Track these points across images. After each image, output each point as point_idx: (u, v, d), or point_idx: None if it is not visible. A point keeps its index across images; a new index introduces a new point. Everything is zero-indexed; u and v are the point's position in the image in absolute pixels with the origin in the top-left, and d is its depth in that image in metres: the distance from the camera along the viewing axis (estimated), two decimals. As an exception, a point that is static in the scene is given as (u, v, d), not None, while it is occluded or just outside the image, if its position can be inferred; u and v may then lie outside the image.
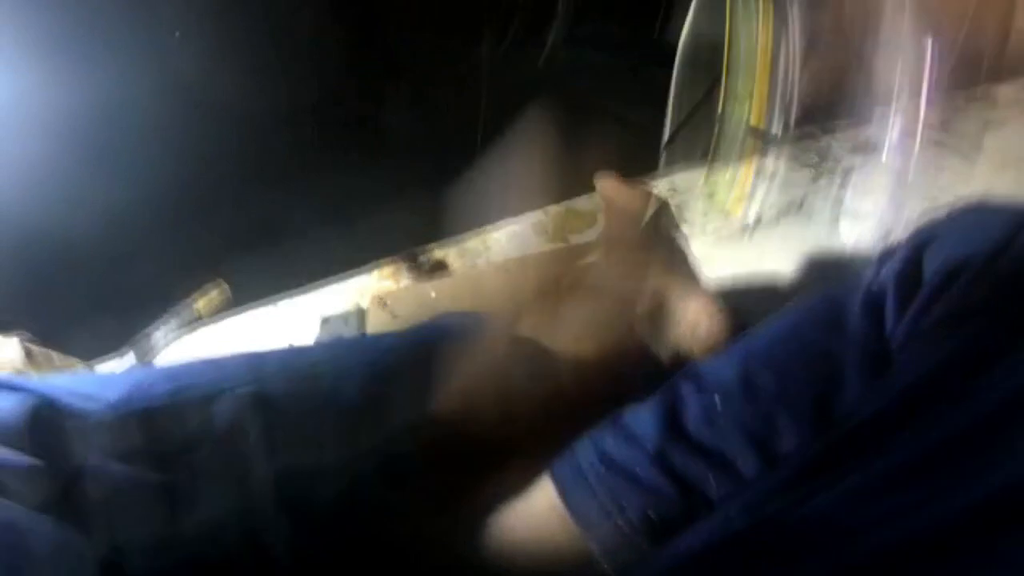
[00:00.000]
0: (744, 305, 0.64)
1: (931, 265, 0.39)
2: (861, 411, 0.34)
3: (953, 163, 0.93)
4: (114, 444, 0.43)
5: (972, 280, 0.36)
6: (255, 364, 0.50)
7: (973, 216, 0.41)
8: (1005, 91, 0.99)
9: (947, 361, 0.34)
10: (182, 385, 0.47)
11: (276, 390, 0.48)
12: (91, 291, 0.92)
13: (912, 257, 0.41)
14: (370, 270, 0.91)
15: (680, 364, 0.51)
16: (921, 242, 0.41)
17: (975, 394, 0.32)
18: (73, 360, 0.82)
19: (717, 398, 0.41)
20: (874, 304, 0.40)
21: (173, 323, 0.89)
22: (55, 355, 0.81)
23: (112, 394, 0.44)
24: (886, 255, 0.43)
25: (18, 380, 0.46)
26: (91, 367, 0.85)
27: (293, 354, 0.55)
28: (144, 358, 0.86)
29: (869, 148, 0.95)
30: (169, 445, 0.45)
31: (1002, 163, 0.91)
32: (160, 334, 0.88)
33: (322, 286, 0.92)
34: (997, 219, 0.39)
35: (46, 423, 0.41)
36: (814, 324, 0.42)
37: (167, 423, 0.45)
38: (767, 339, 0.43)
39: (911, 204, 0.88)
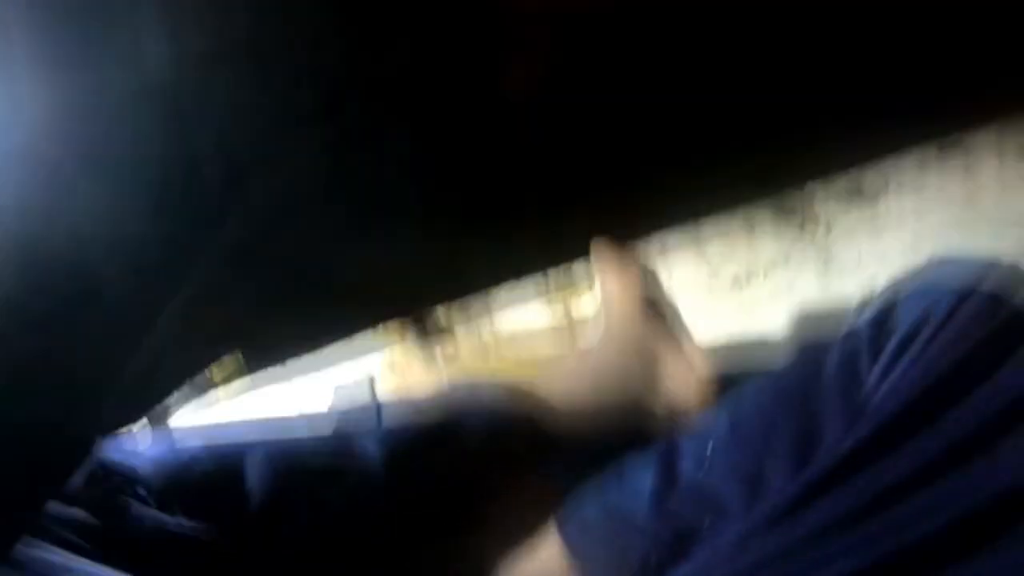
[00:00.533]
0: (736, 360, 0.68)
1: (901, 316, 0.44)
2: (838, 449, 0.38)
3: (934, 209, 0.98)
4: (159, 495, 0.48)
5: (937, 328, 0.41)
6: (283, 424, 0.55)
7: (939, 270, 0.46)
8: (977, 139, 1.04)
9: (915, 401, 0.38)
10: (217, 443, 0.52)
11: (302, 447, 0.53)
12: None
13: (884, 308, 0.45)
14: (376, 335, 0.95)
15: (674, 418, 0.55)
16: (892, 295, 0.46)
17: (941, 429, 0.36)
18: None
19: (709, 446, 0.45)
20: (850, 353, 0.44)
21: (187, 392, 0.92)
22: None
23: (152, 451, 0.49)
24: (862, 307, 0.47)
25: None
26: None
27: (317, 418, 0.60)
28: (158, 424, 0.89)
29: (854, 198, 1.00)
30: (208, 498, 0.49)
31: (981, 209, 0.96)
32: (174, 403, 0.91)
33: (332, 352, 0.96)
34: (960, 272, 0.44)
35: (96, 476, 0.45)
36: (795, 374, 0.46)
37: (206, 477, 0.50)
38: (754, 390, 0.48)
39: (895, 252, 0.93)
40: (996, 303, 0.40)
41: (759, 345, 0.84)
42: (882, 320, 0.44)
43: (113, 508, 0.45)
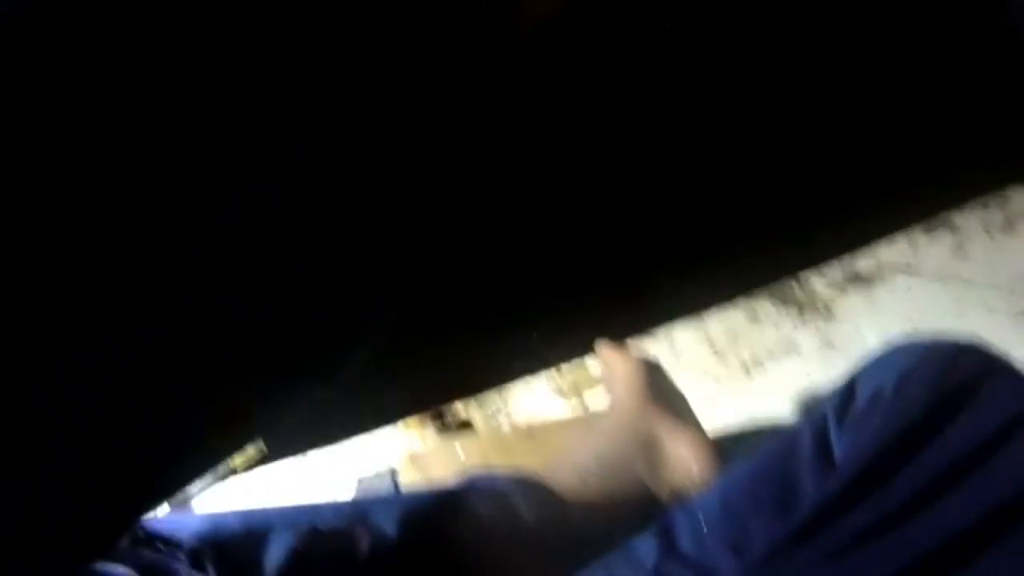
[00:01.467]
0: (747, 447, 0.73)
1: (860, 391, 0.50)
2: (812, 503, 0.44)
3: (928, 287, 1.04)
4: (195, 558, 0.54)
5: (888, 399, 0.47)
6: (311, 510, 0.61)
7: (895, 351, 0.52)
8: (964, 217, 1.11)
9: (874, 460, 0.44)
10: (252, 521, 0.57)
11: (323, 518, 0.58)
12: None
13: (847, 387, 0.52)
14: (396, 427, 1.01)
15: (675, 499, 0.61)
16: (855, 375, 0.52)
17: (901, 481, 0.42)
18: None
19: (702, 520, 0.50)
20: (819, 429, 0.51)
21: (208, 478, 0.97)
22: None
23: (192, 524, 0.55)
24: (829, 390, 0.54)
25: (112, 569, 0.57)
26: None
27: (343, 503, 0.66)
28: (178, 507, 0.94)
29: (849, 282, 1.06)
30: (238, 563, 0.55)
31: (968, 286, 1.01)
32: (195, 488, 0.96)
33: (350, 442, 1.02)
34: (911, 351, 0.50)
35: (140, 538, 0.52)
36: (776, 452, 0.52)
37: (237, 544, 0.56)
38: (742, 470, 0.54)
39: (895, 332, 0.98)
40: (942, 375, 0.47)
41: (767, 430, 0.89)
42: (845, 396, 0.51)
43: (155, 568, 0.50)
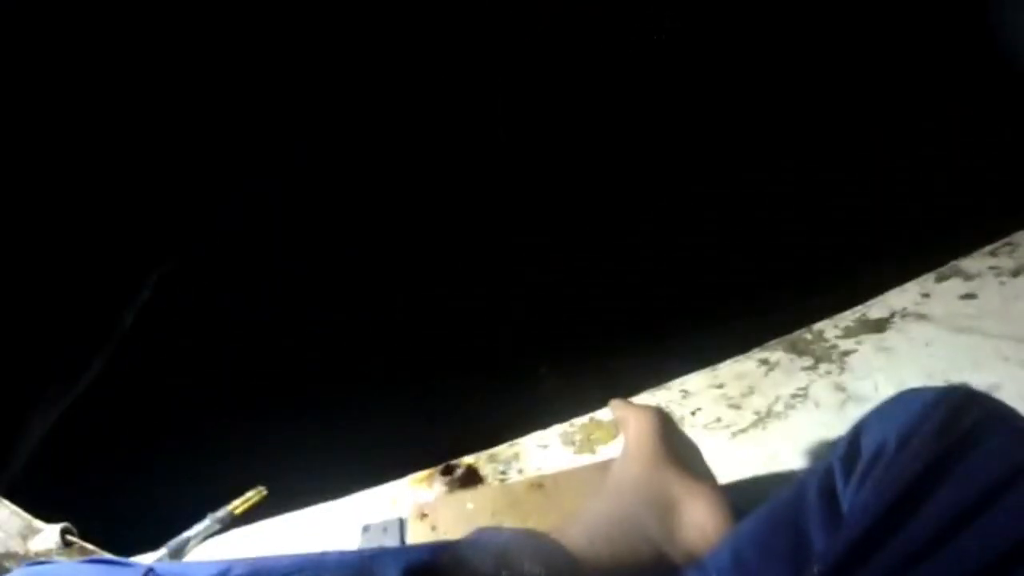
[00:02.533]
0: (760, 500, 0.74)
1: (865, 445, 0.52)
2: (822, 562, 0.45)
3: (941, 335, 1.05)
4: None
5: (892, 455, 0.48)
6: (316, 559, 0.62)
7: (896, 403, 0.54)
8: (974, 264, 1.13)
9: (879, 517, 0.45)
10: (258, 570, 0.59)
11: (328, 566, 0.59)
12: (132, 489, 1.04)
13: (852, 440, 0.53)
14: (406, 481, 1.02)
15: (689, 559, 0.62)
16: (859, 427, 0.54)
17: (904, 536, 0.44)
18: (106, 555, 0.92)
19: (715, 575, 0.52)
20: (826, 481, 0.52)
21: (208, 524, 0.99)
22: (90, 547, 0.92)
23: (200, 571, 0.57)
24: (837, 442, 0.55)
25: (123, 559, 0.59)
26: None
27: (347, 554, 0.67)
28: (177, 557, 0.95)
29: (862, 330, 1.08)
30: None
31: (980, 333, 1.02)
32: (195, 534, 0.98)
33: (358, 493, 1.03)
34: (913, 404, 0.52)
35: None
36: (785, 504, 0.54)
37: None
38: (752, 522, 0.55)
39: (907, 381, 0.99)
40: (944, 429, 0.48)
41: (781, 481, 0.89)
42: (851, 449, 0.52)
43: None
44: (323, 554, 0.61)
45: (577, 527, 0.64)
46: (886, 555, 0.43)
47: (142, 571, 0.55)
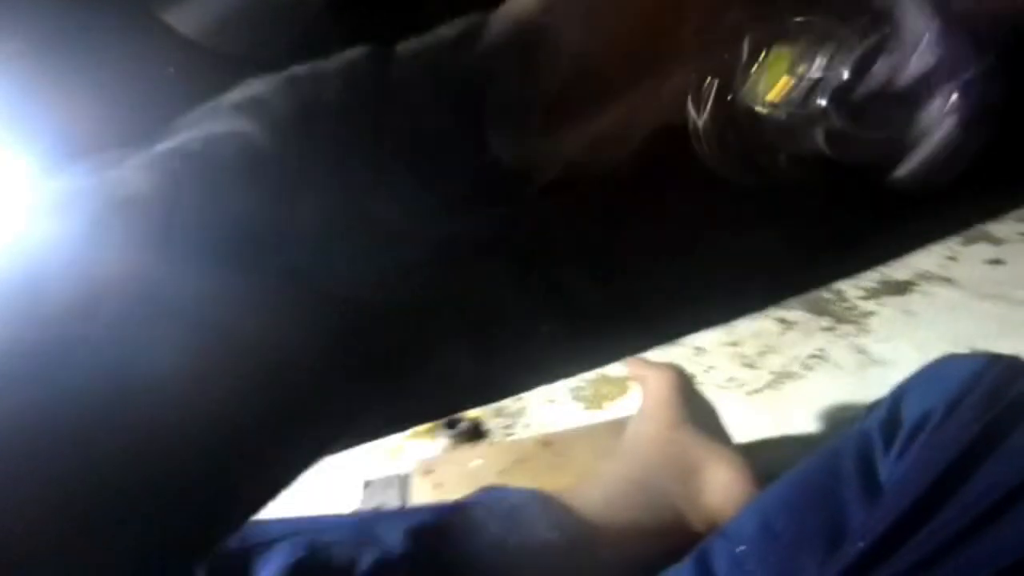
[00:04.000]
0: (775, 462, 0.72)
1: (907, 412, 0.49)
2: (863, 540, 0.43)
3: (963, 301, 1.02)
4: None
5: (939, 423, 0.46)
6: (313, 522, 0.59)
7: (940, 369, 0.51)
8: (1002, 229, 1.09)
9: (923, 493, 0.43)
10: (249, 532, 0.56)
11: (327, 538, 0.57)
12: None
13: (892, 407, 0.50)
14: (408, 434, 0.99)
15: (712, 526, 0.59)
16: (900, 393, 0.51)
17: (952, 512, 0.41)
18: None
19: (742, 545, 0.49)
20: (863, 448, 0.50)
21: None
22: None
23: None
24: (874, 406, 0.53)
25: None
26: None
27: (346, 517, 0.65)
28: None
29: (884, 291, 1.05)
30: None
31: (1007, 300, 1.00)
32: None
33: (360, 449, 1.01)
34: (959, 371, 0.49)
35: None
36: (818, 470, 0.51)
37: (240, 566, 0.55)
38: (781, 489, 0.52)
39: (930, 346, 0.96)
40: (992, 398, 0.46)
41: (796, 444, 0.88)
42: (891, 416, 0.50)
43: None
44: (320, 517, 0.59)
45: (592, 489, 0.62)
46: (930, 535, 0.41)
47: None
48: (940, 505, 0.42)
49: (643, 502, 0.61)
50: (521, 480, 0.78)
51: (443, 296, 0.40)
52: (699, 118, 0.77)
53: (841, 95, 0.60)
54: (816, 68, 0.64)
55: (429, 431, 0.97)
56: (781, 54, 0.70)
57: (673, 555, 0.54)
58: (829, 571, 0.43)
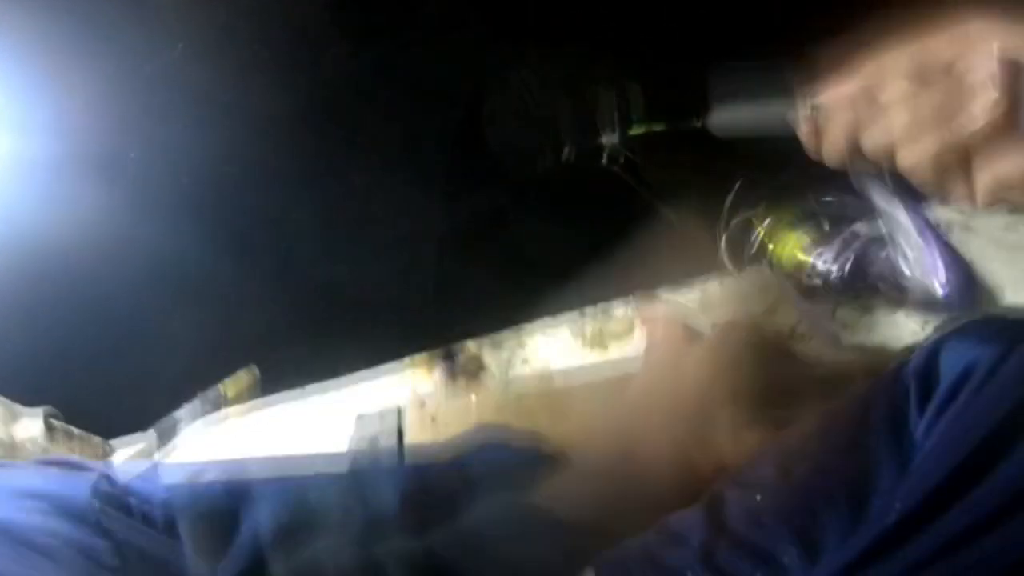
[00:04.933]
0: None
1: (945, 369, 0.45)
2: (893, 510, 0.39)
3: (983, 250, 0.98)
4: (167, 522, 0.50)
5: (979, 385, 0.42)
6: (299, 479, 0.56)
7: (981, 327, 0.47)
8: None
9: (961, 463, 0.39)
10: (235, 488, 0.53)
11: (314, 485, 0.54)
12: (117, 370, 0.98)
13: (928, 361, 0.47)
14: (403, 364, 0.96)
15: (721, 472, 0.56)
16: (936, 347, 0.47)
17: (993, 482, 0.38)
18: (94, 438, 0.88)
19: (758, 495, 0.46)
20: (898, 399, 0.46)
21: (198, 406, 0.93)
22: (76, 431, 0.87)
23: (168, 479, 0.51)
24: (906, 357, 0.49)
25: (85, 461, 0.53)
26: (112, 446, 0.90)
27: (335, 457, 0.61)
28: (166, 439, 0.90)
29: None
30: (214, 533, 0.51)
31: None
32: (184, 416, 0.92)
33: (353, 380, 0.97)
34: (1001, 331, 0.46)
35: (110, 500, 0.48)
36: (845, 419, 0.47)
37: (215, 512, 0.51)
38: (802, 435, 0.49)
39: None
40: None
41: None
42: (926, 372, 0.46)
43: (131, 544, 0.46)
44: (306, 478, 0.55)
45: (595, 440, 0.58)
46: (970, 506, 0.38)
47: (94, 478, 0.48)
48: (979, 476, 0.38)
49: (651, 449, 0.57)
50: (518, 420, 0.75)
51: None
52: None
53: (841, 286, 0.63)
54: (827, 258, 0.68)
55: (426, 364, 0.94)
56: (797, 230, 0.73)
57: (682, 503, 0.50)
58: (851, 545, 0.40)
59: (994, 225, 1.00)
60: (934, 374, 0.46)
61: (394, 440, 0.81)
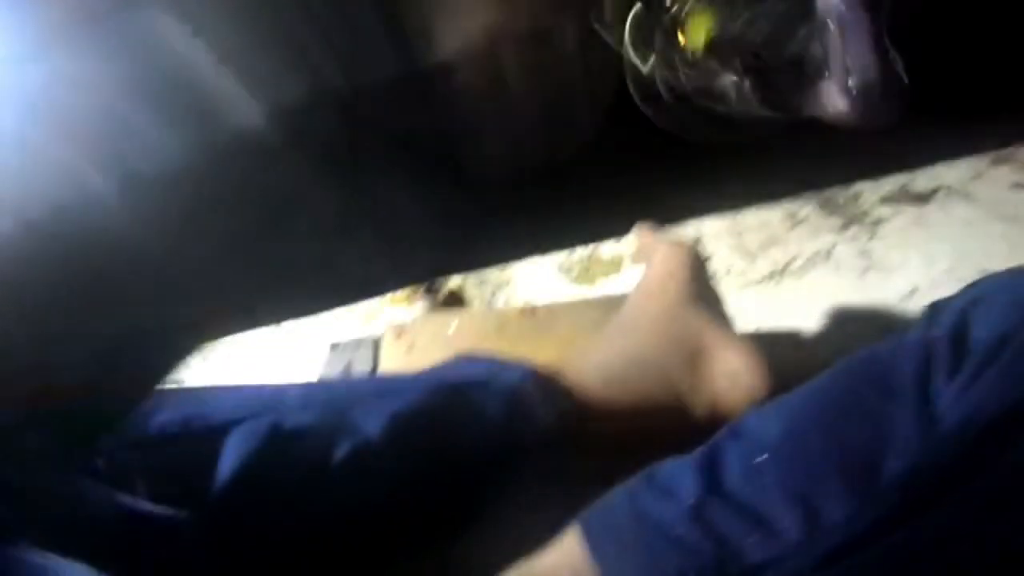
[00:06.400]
0: (770, 358, 0.65)
1: (978, 331, 0.40)
2: (909, 483, 0.35)
3: (980, 219, 0.94)
4: (127, 471, 0.43)
5: (1018, 351, 0.37)
6: (276, 394, 0.50)
7: (1012, 287, 0.42)
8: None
9: (992, 429, 0.35)
10: (196, 413, 0.47)
11: (293, 421, 0.48)
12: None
13: (959, 320, 0.42)
14: (384, 300, 0.91)
15: (716, 417, 0.52)
16: (967, 305, 0.42)
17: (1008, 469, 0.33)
18: None
19: (758, 454, 0.41)
20: (922, 364, 0.41)
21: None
22: None
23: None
24: (932, 314, 0.44)
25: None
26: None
27: (312, 387, 0.55)
28: None
29: (902, 199, 0.96)
30: (180, 479, 0.45)
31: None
32: None
33: (333, 315, 0.92)
34: None
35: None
36: (861, 382, 0.43)
37: (180, 457, 0.45)
38: (813, 396, 0.44)
39: (937, 259, 0.89)
40: None
41: (789, 340, 0.81)
42: (958, 335, 0.41)
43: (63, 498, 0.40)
44: (282, 394, 0.49)
45: (587, 364, 0.53)
46: (995, 479, 0.33)
47: None
48: (1007, 446, 0.34)
49: (642, 381, 0.53)
50: (500, 348, 0.70)
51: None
52: (643, 65, 0.69)
53: (752, 60, 0.55)
54: (738, 27, 0.57)
55: (407, 297, 0.88)
56: (707, 8, 0.62)
57: (672, 443, 0.46)
58: (858, 517, 0.35)
59: (995, 196, 0.96)
60: (966, 335, 0.41)
61: (368, 368, 0.76)
